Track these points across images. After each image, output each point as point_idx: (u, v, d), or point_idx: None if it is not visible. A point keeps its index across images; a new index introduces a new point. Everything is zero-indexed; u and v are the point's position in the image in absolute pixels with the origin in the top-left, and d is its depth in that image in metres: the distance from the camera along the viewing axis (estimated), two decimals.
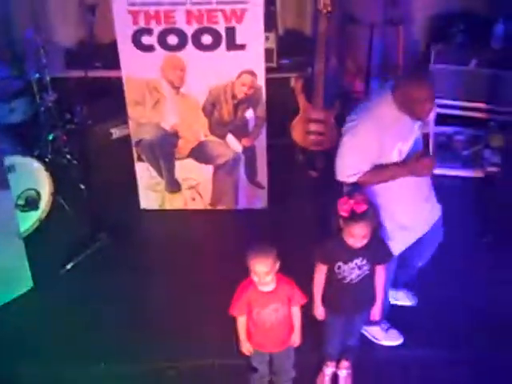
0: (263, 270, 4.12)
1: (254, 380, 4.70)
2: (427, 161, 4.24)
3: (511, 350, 4.83)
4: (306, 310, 4.45)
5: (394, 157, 4.28)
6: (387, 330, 4.95)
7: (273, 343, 4.47)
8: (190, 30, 5.38)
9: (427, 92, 4.18)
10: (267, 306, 4.30)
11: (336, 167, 4.32)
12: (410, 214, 4.48)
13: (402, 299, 5.16)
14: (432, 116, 4.34)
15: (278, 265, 4.19)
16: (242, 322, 4.39)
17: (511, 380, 4.77)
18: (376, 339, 4.96)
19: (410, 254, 4.66)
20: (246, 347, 4.47)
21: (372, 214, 4.17)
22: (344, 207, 4.12)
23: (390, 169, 4.28)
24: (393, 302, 5.05)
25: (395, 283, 4.90)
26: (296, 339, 4.49)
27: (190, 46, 5.43)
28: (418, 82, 4.20)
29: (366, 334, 4.95)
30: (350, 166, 4.27)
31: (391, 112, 4.22)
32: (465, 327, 4.97)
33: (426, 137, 4.28)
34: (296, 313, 4.42)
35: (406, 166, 4.27)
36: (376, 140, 4.19)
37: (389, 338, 4.94)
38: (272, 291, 4.27)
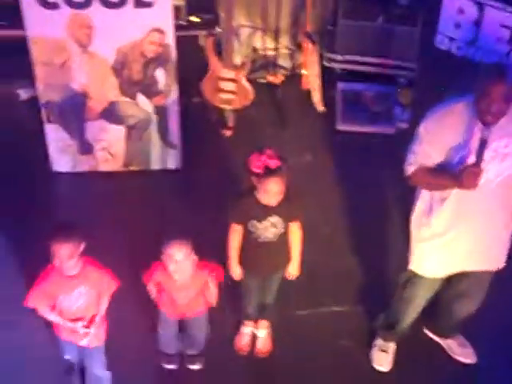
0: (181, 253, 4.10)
1: None
2: (471, 170, 3.72)
3: None
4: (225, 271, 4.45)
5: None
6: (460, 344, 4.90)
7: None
8: None
9: (498, 89, 3.64)
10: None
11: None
12: (454, 235, 4.13)
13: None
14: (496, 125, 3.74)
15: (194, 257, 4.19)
16: None
17: None
18: (451, 351, 4.90)
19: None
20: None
21: (285, 169, 4.10)
22: (257, 163, 4.04)
23: (442, 173, 3.91)
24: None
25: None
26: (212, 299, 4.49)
27: (96, 3, 5.28)
28: (494, 76, 3.66)
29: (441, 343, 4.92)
30: (412, 153, 3.99)
31: (467, 113, 3.82)
32: None
33: (481, 145, 3.72)
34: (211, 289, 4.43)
35: (453, 174, 3.81)
36: (446, 137, 3.86)
37: (463, 355, 4.87)
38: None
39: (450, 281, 4.41)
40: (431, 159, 3.94)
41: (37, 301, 4.11)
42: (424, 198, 4.16)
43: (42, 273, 4.10)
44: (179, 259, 4.08)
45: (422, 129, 3.93)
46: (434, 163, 3.94)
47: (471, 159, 3.77)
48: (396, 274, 4.61)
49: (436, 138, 3.89)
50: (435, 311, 4.75)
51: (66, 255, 3.91)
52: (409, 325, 4.69)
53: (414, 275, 4.38)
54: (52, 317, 4.18)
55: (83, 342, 4.22)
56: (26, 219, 5.53)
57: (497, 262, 4.30)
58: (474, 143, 3.76)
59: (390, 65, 6.60)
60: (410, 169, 4.02)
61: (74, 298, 4.13)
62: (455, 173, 3.80)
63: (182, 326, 4.63)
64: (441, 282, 4.39)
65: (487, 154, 3.78)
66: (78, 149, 5.96)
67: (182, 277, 4.19)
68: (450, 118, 3.86)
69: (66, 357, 4.50)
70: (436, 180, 3.96)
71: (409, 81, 6.61)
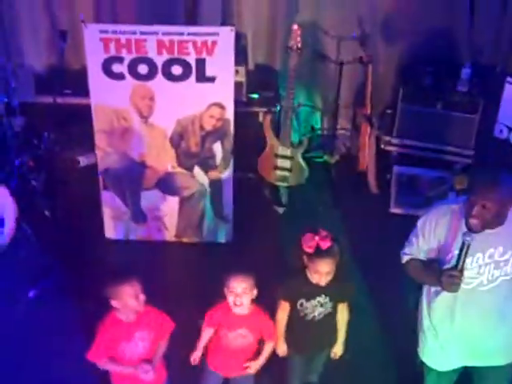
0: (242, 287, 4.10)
1: None
2: (450, 273, 3.70)
3: None
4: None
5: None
6: None
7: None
8: (160, 60, 5.39)
9: (482, 194, 3.59)
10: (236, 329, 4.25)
11: None
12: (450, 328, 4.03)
13: None
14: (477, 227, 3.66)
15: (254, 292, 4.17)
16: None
17: None
18: None
19: None
20: None
21: (337, 251, 4.12)
22: (309, 243, 4.08)
23: (428, 270, 3.92)
24: None
25: None
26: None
27: (159, 75, 5.44)
28: (485, 183, 3.61)
29: None
30: (408, 242, 4.03)
31: (460, 215, 3.78)
32: None
33: (461, 250, 3.69)
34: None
35: (437, 273, 3.79)
36: (439, 235, 3.86)
37: None
38: (245, 316, 4.22)
39: (472, 375, 4.25)
40: (422, 253, 3.95)
41: (99, 354, 4.14)
42: (425, 289, 4.12)
43: (100, 325, 4.15)
44: (239, 292, 4.09)
45: (421, 222, 3.94)
46: (424, 257, 3.95)
47: (452, 262, 3.74)
48: None
49: (430, 235, 3.89)
50: None
51: (131, 295, 3.99)
52: None
53: (423, 363, 4.29)
54: (113, 367, 4.21)
55: (148, 377, 4.21)
56: (75, 283, 5.57)
57: (502, 359, 4.12)
58: (458, 246, 3.73)
59: (446, 151, 6.60)
60: (404, 258, 4.04)
61: (134, 344, 4.15)
62: (438, 271, 3.78)
63: None
64: (454, 374, 4.24)
65: (482, 260, 3.77)
66: (131, 217, 6.03)
67: (240, 311, 4.18)
68: (445, 217, 3.85)
69: None
70: (423, 275, 3.98)
71: (464, 167, 6.59)
